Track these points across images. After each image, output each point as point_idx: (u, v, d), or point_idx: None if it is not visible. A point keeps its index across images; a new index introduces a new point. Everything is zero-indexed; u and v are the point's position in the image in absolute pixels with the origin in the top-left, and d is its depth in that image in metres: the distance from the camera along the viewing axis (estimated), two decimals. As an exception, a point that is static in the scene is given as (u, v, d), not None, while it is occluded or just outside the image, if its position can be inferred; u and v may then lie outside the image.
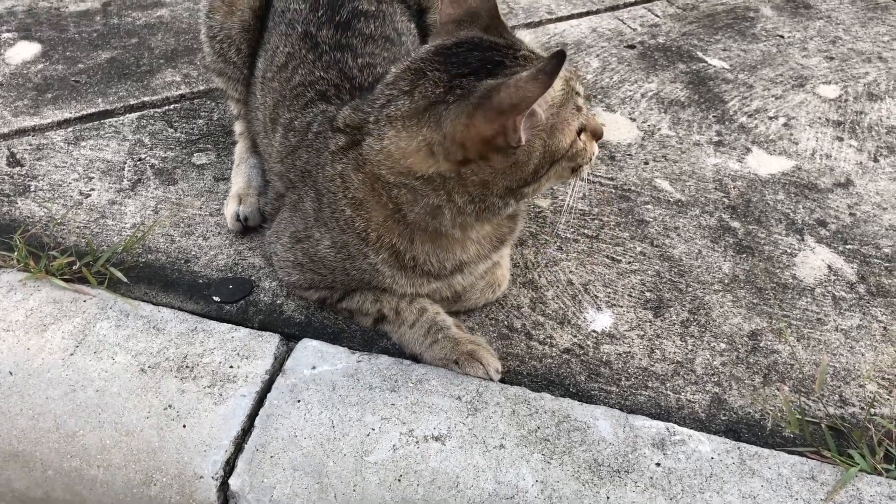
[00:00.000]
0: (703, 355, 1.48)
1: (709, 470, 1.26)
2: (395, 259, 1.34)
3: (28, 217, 1.71)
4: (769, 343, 1.51)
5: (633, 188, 1.87)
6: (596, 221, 1.77)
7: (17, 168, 1.85)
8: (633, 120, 2.11)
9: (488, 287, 1.53)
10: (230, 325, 1.46)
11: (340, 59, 1.49)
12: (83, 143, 1.93)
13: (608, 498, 1.22)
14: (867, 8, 2.70)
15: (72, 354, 1.40)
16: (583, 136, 1.25)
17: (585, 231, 1.75)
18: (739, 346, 1.50)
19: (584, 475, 1.25)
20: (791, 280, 1.65)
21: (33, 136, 1.96)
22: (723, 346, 1.50)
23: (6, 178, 1.83)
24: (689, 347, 1.50)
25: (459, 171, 1.19)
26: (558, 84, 1.18)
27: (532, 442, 1.29)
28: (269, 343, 1.43)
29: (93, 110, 2.04)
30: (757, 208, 1.83)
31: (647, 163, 1.96)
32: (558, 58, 1.07)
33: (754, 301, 1.60)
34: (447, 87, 1.17)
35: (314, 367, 1.39)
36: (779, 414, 1.38)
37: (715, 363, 1.47)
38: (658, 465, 1.27)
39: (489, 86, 1.13)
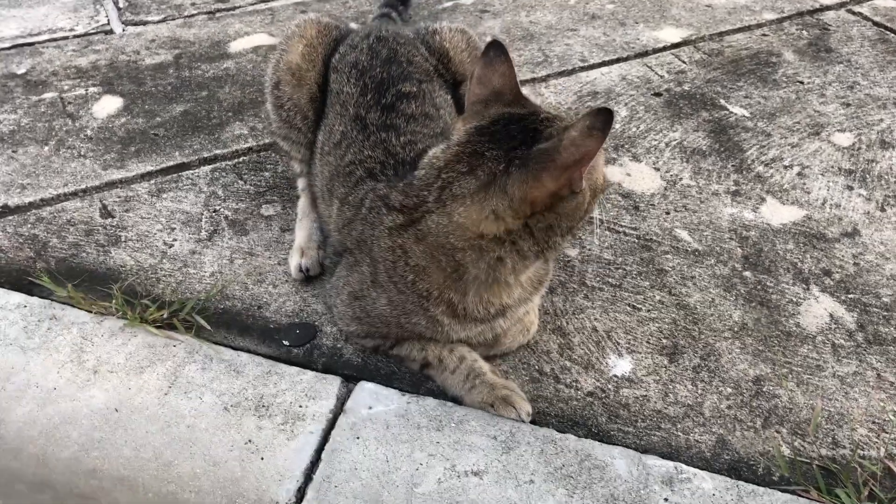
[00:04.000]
0: (711, 399, 1.68)
1: (710, 505, 1.47)
2: (451, 310, 1.56)
3: (121, 266, 1.97)
4: (771, 388, 1.70)
5: (654, 238, 2.07)
6: (619, 270, 1.98)
7: (109, 219, 2.12)
8: (658, 170, 2.30)
9: (521, 332, 1.75)
10: (298, 368, 1.70)
11: (386, 138, 1.72)
12: (164, 196, 2.19)
13: (622, 528, 1.43)
14: (887, 51, 2.85)
15: (166, 394, 1.65)
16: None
17: (609, 280, 1.95)
18: (744, 391, 1.70)
19: (601, 508, 1.46)
20: (795, 328, 1.83)
21: (121, 188, 2.22)
22: (729, 390, 1.70)
23: (100, 228, 2.09)
24: (700, 391, 1.70)
25: (527, 223, 1.41)
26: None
27: (557, 478, 1.51)
28: (332, 385, 1.67)
29: (171, 163, 2.30)
30: (768, 258, 2.02)
31: (668, 213, 2.15)
32: (606, 115, 1.29)
33: (760, 348, 1.79)
34: (507, 160, 1.39)
35: (370, 408, 1.63)
36: (775, 455, 1.58)
37: (721, 406, 1.67)
38: (666, 500, 1.48)
39: (544, 149, 1.35)
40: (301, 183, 2.09)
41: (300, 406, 1.63)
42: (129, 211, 2.15)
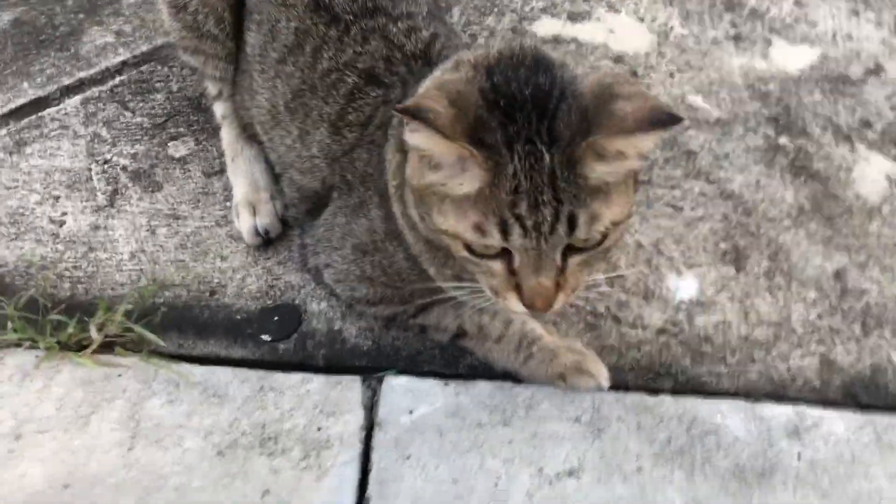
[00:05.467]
0: (797, 310, 1.41)
1: (849, 454, 1.22)
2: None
3: (0, 266, 1.43)
4: (856, 282, 1.45)
5: (667, 111, 1.71)
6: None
7: (-41, 198, 1.53)
8: (642, 20, 1.91)
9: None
10: (301, 375, 1.28)
11: (376, 26, 1.23)
12: (28, 150, 1.60)
13: (761, 507, 1.17)
14: None
15: (130, 449, 1.21)
16: None
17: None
18: (829, 292, 1.44)
19: (731, 485, 1.19)
20: (855, 201, 1.57)
21: (-39, 148, 1.61)
22: (812, 294, 1.43)
23: (-50, 214, 1.51)
24: (782, 303, 1.42)
25: None
26: None
27: (668, 458, 1.21)
28: (352, 390, 1.27)
29: (23, 100, 1.69)
30: (798, 116, 1.72)
31: (671, 75, 1.79)
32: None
33: (828, 233, 1.52)
34: None
35: (411, 412, 1.25)
36: (887, 368, 1.35)
37: (811, 317, 1.41)
38: (799, 457, 1.22)
39: None
40: (220, 108, 1.56)
41: (318, 429, 1.23)
42: (-15, 180, 1.56)
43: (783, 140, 1.67)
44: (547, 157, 0.91)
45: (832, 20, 1.92)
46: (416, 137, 0.92)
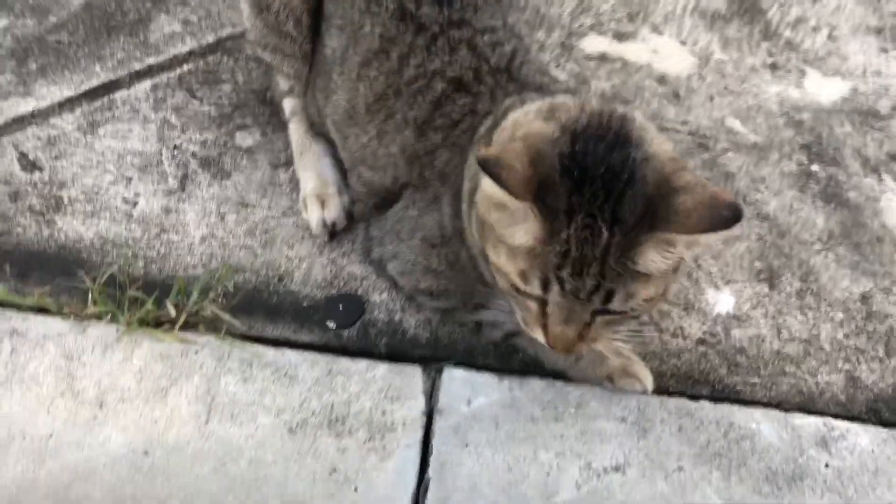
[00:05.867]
0: (825, 328, 1.51)
1: (873, 465, 1.32)
2: None
3: (77, 243, 1.50)
4: (880, 305, 1.55)
5: (708, 133, 1.80)
6: (684, 179, 1.71)
7: (37, 173, 1.60)
8: (684, 43, 2.00)
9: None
10: (367, 362, 1.37)
11: (462, 37, 1.31)
12: (101, 131, 1.68)
13: (791, 509, 1.27)
14: None
15: (206, 423, 1.29)
16: None
17: (677, 193, 1.69)
18: (855, 314, 1.53)
19: (763, 487, 1.28)
20: (881, 230, 1.67)
21: (37, 125, 1.67)
22: (840, 315, 1.53)
23: (28, 189, 1.58)
24: (811, 321, 1.52)
25: None
26: None
27: (707, 459, 1.30)
28: (414, 378, 1.36)
29: (95, 82, 1.76)
30: (830, 145, 1.81)
31: (711, 98, 1.88)
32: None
33: (855, 258, 1.61)
34: None
35: (470, 402, 1.34)
36: (910, 387, 1.45)
37: (839, 336, 1.50)
38: (827, 465, 1.32)
39: None
40: (290, 104, 1.63)
41: (383, 413, 1.32)
42: (60, 158, 1.63)
43: (815, 167, 1.77)
44: (605, 236, 0.98)
45: (863, 56, 2.02)
46: (487, 182, 1.00)
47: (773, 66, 1.97)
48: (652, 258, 1.00)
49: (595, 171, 1.00)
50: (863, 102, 1.91)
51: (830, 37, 2.06)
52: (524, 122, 1.08)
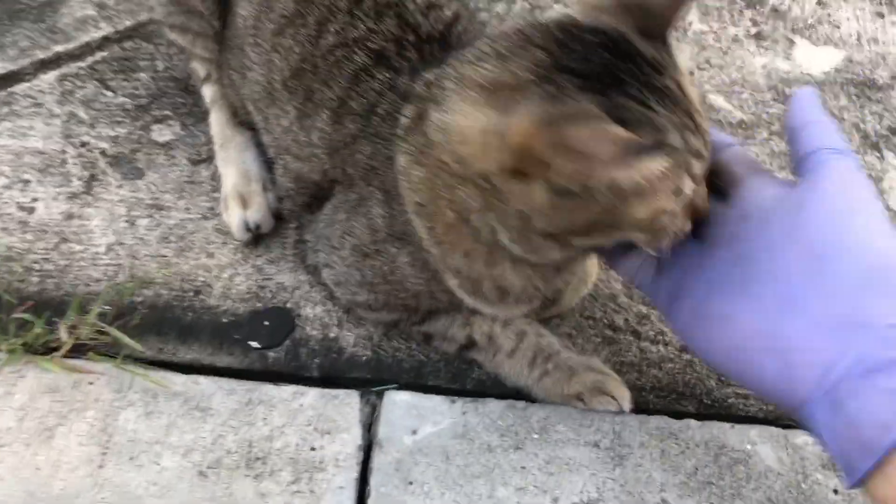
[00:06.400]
0: (828, 329, 1.31)
1: (891, 489, 1.12)
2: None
3: (-39, 256, 1.30)
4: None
5: (688, 111, 1.61)
6: (662, 163, 1.52)
7: (-81, 179, 1.39)
8: (660, 13, 1.80)
9: (579, 283, 1.28)
10: (293, 388, 1.16)
11: (391, 1, 1.11)
12: (-3, 128, 1.47)
13: (797, 546, 1.07)
14: None
15: (101, 467, 1.08)
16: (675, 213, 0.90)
17: (655, 178, 1.49)
18: (861, 310, 1.34)
19: (763, 522, 1.09)
20: (890, 212, 1.47)
21: (-77, 124, 1.47)
22: (844, 312, 1.33)
23: None
24: (812, 321, 1.32)
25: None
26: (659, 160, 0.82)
27: (695, 489, 1.11)
28: (349, 405, 1.15)
29: (-7, 74, 1.55)
30: (825, 120, 1.62)
31: (691, 73, 1.68)
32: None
33: (859, 247, 1.42)
34: (540, 76, 0.85)
35: (414, 433, 1.13)
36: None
37: (843, 337, 1.31)
38: (836, 492, 1.12)
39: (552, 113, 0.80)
40: (209, 91, 1.43)
41: (312, 448, 1.11)
42: (-53, 161, 1.42)
43: (810, 145, 1.57)
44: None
45: (856, 22, 1.83)
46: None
47: (759, 36, 1.78)
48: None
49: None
50: (858, 73, 1.72)
51: (820, 2, 1.86)
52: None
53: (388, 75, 1.06)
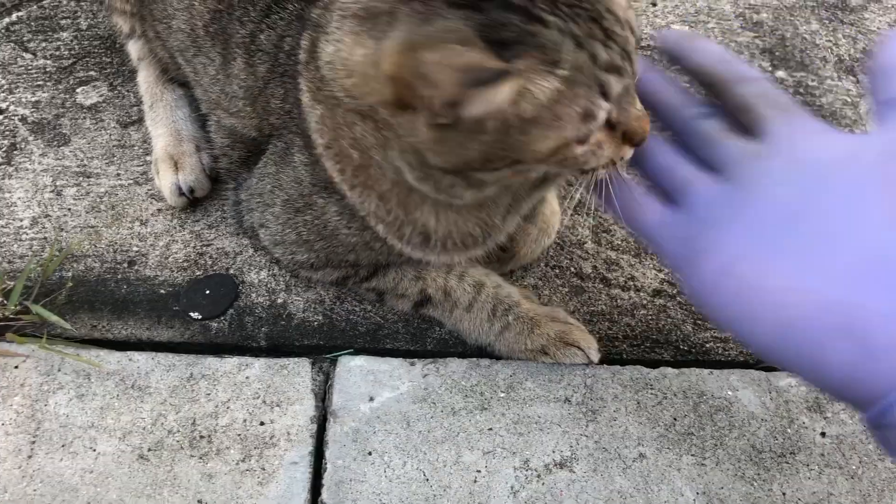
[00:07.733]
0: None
1: (880, 428, 1.06)
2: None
3: None
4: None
5: (650, 45, 1.51)
6: (626, 100, 1.43)
7: None
8: (618, -56, 1.70)
9: (540, 233, 1.19)
10: (238, 360, 1.07)
11: None
12: None
13: (784, 494, 1.01)
14: None
15: (30, 457, 0.99)
16: (595, 139, 0.77)
17: (619, 116, 1.40)
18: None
19: (747, 470, 1.02)
20: (865, 139, 1.40)
21: None
22: (824, 245, 1.26)
23: None
24: (790, 257, 1.25)
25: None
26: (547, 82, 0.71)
27: (674, 441, 1.04)
28: (300, 375, 1.07)
29: None
30: (795, 47, 1.53)
31: (654, 3, 1.59)
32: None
33: (836, 176, 1.34)
34: None
35: (372, 399, 1.05)
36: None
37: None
38: (823, 434, 1.05)
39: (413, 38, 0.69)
40: (135, 48, 1.32)
41: (261, 423, 1.03)
42: None
43: (781, 74, 1.49)
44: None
45: (826, -59, 1.74)
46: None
47: (723, -38, 1.68)
48: None
49: None
50: (830, -5, 1.63)
51: (785, -77, 1.77)
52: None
53: (298, 5, 0.95)
